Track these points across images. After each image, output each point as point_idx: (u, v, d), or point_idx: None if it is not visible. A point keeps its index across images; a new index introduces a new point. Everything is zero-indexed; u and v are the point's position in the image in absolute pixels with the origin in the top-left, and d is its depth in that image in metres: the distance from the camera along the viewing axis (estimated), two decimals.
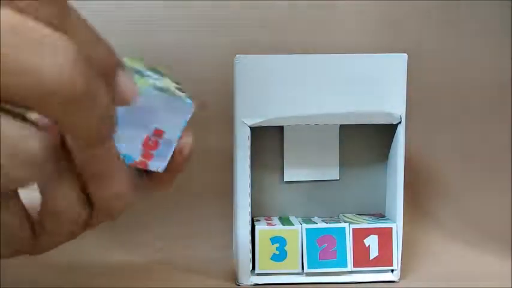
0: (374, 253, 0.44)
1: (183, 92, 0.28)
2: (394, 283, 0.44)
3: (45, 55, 0.15)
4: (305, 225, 0.43)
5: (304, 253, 0.43)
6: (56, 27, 0.16)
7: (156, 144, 0.27)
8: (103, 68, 0.19)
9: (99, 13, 0.51)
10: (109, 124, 0.19)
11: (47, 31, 0.16)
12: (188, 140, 0.26)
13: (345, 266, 0.43)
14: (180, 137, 0.28)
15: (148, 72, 0.29)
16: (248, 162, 0.42)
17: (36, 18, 0.16)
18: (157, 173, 0.27)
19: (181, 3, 0.52)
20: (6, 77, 0.15)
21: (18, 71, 0.15)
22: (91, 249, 0.48)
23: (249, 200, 0.43)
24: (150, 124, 0.26)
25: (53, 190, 0.19)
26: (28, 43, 0.15)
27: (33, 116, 0.17)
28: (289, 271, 0.43)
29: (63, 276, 0.43)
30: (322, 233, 0.43)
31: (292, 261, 0.43)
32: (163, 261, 0.48)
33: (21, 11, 0.15)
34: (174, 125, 0.27)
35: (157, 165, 0.27)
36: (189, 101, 0.28)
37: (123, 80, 0.20)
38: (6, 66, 0.15)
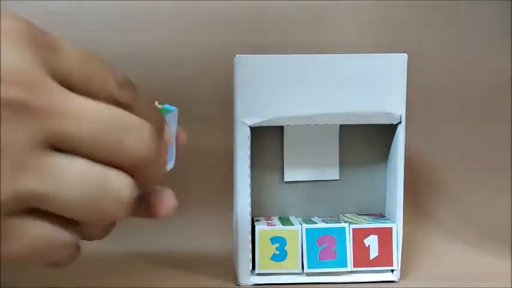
0: (374, 253, 0.44)
1: (161, 103, 0.32)
2: (394, 283, 0.44)
3: (133, 135, 0.22)
4: (305, 225, 0.43)
5: (304, 253, 0.43)
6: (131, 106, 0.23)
7: (166, 152, 0.30)
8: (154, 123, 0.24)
9: (98, 13, 0.51)
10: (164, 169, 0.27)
11: (131, 117, 0.22)
12: (182, 134, 0.32)
13: (345, 266, 0.43)
14: (176, 135, 0.32)
15: None
16: (248, 162, 0.42)
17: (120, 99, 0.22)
18: None
19: (181, 3, 0.52)
20: (109, 152, 0.21)
21: (117, 148, 0.21)
22: (89, 249, 0.48)
23: (249, 200, 0.43)
24: None
25: None
26: (122, 127, 0.21)
27: None
28: (289, 271, 0.43)
29: (63, 276, 0.43)
30: (322, 233, 0.43)
31: (292, 261, 0.43)
32: (163, 261, 0.48)
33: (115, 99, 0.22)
34: (171, 131, 0.31)
35: (170, 165, 0.31)
36: (173, 108, 0.32)
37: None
38: (108, 145, 0.21)
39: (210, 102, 0.53)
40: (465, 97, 0.58)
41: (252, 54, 0.42)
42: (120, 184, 0.21)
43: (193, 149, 0.53)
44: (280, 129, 0.46)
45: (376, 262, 0.44)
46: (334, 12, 0.54)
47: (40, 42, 0.20)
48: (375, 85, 0.42)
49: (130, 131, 0.21)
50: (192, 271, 0.46)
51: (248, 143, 0.42)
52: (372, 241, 0.43)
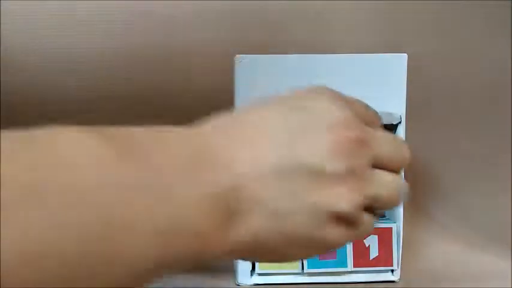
0: (374, 253, 0.44)
1: None
2: (394, 283, 0.44)
3: (406, 147, 0.31)
4: None
5: None
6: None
7: None
8: None
9: (99, 13, 0.51)
10: None
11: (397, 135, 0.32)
12: None
13: (345, 266, 0.43)
14: None
15: None
16: None
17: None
18: None
19: (182, 3, 0.52)
20: None
21: (401, 159, 0.30)
22: None
23: None
24: None
25: None
26: (400, 144, 0.31)
27: None
28: (289, 271, 0.43)
29: None
30: None
31: (295, 261, 0.43)
32: None
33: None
34: None
35: None
36: None
37: None
38: None
39: (210, 102, 0.53)
40: (465, 97, 0.58)
41: (252, 54, 0.42)
42: (405, 184, 0.30)
43: None
44: None
45: (376, 262, 0.44)
46: (335, 12, 0.54)
47: (348, 100, 0.30)
48: (375, 85, 0.42)
49: (404, 145, 0.31)
50: (193, 271, 0.46)
51: None
52: (372, 241, 0.43)
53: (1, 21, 0.47)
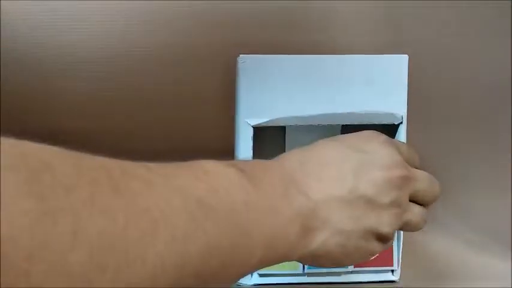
0: None
1: None
2: (394, 283, 0.44)
3: (437, 184, 0.38)
4: None
5: None
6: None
7: None
8: None
9: (99, 12, 0.50)
10: None
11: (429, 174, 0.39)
12: None
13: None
14: None
15: None
16: None
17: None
18: None
19: (183, 3, 0.52)
20: None
21: (434, 194, 0.38)
22: None
23: None
24: None
25: None
26: (433, 180, 0.38)
27: None
28: (289, 271, 0.43)
29: None
30: None
31: (293, 261, 0.43)
32: None
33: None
34: None
35: None
36: None
37: None
38: None
39: (212, 102, 0.53)
40: (465, 97, 0.58)
41: (254, 54, 0.42)
42: (426, 215, 0.37)
43: (193, 149, 0.52)
44: (282, 129, 0.46)
45: (376, 262, 0.44)
46: (337, 12, 0.54)
47: (396, 144, 0.37)
48: (376, 85, 0.42)
49: (437, 183, 0.38)
50: None
51: (251, 143, 0.42)
52: None
53: (1, 21, 0.47)
